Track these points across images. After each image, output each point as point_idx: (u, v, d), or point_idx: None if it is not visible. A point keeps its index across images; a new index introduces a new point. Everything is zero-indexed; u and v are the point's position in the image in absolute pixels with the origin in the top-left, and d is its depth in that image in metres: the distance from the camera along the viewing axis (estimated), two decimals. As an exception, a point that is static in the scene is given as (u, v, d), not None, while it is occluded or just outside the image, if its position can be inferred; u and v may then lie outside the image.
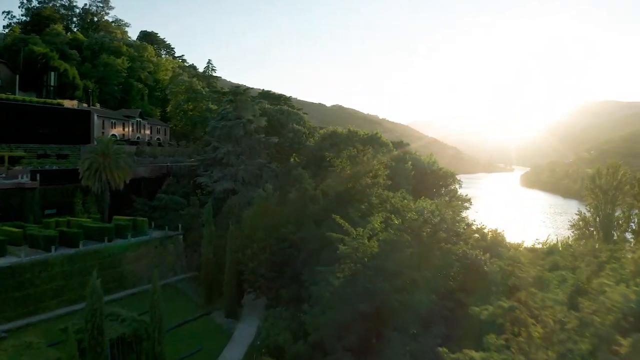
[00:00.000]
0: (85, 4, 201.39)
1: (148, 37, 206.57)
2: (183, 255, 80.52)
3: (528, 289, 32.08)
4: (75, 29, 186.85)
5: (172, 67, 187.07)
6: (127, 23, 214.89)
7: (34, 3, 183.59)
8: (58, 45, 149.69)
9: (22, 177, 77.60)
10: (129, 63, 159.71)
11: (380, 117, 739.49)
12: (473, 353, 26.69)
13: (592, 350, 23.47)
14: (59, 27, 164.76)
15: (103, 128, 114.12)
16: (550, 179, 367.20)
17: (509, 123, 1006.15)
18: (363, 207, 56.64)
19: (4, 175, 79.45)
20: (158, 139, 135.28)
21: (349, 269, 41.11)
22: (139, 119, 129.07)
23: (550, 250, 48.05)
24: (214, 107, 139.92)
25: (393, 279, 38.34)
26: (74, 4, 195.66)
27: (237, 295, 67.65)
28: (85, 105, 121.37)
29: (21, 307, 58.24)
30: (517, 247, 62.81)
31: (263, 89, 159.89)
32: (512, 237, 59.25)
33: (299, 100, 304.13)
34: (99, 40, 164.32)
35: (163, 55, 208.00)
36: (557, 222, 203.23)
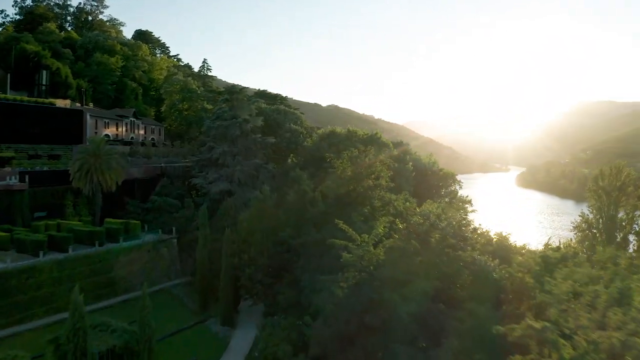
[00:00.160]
0: (80, 3, 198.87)
1: (143, 36, 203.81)
2: (177, 259, 77.85)
3: (559, 306, 29.40)
4: (69, 28, 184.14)
5: (166, 66, 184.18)
6: (121, 22, 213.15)
7: (28, 2, 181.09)
8: (51, 43, 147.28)
9: (10, 179, 74.92)
10: (122, 62, 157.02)
11: (376, 117, 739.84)
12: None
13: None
14: (52, 26, 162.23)
15: (96, 128, 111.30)
16: (547, 179, 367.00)
17: (504, 123, 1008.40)
18: (366, 210, 54.16)
19: (-9, 176, 76.74)
20: (152, 139, 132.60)
21: (353, 278, 38.58)
22: (132, 119, 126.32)
23: (564, 257, 45.53)
24: (209, 106, 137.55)
25: (401, 289, 35.90)
26: (68, 2, 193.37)
27: (233, 302, 65.01)
28: (78, 104, 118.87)
29: (7, 316, 55.46)
30: (521, 250, 61.25)
31: (259, 89, 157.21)
32: (511, 238, 57.77)
33: (295, 100, 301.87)
34: (92, 39, 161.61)
35: (158, 55, 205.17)
36: (554, 223, 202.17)
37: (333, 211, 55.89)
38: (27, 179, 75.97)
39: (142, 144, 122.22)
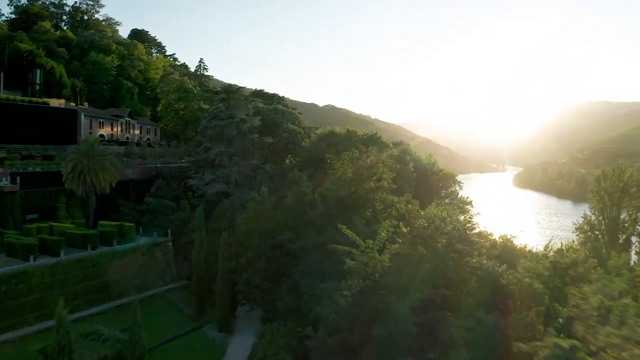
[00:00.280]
0: (75, 2, 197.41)
1: (139, 36, 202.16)
2: (172, 263, 76.01)
3: (587, 321, 27.64)
4: (65, 28, 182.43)
5: (163, 66, 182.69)
6: (117, 22, 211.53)
7: (23, 1, 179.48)
8: (46, 42, 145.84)
9: (1, 180, 72.90)
10: (118, 61, 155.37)
11: (373, 117, 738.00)
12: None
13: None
14: (47, 25, 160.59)
15: (90, 128, 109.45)
16: (544, 179, 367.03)
17: (501, 123, 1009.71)
18: (368, 213, 52.33)
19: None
20: (148, 139, 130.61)
21: (357, 286, 36.70)
22: (128, 119, 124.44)
23: (574, 262, 43.84)
24: (205, 106, 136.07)
25: (407, 297, 34.11)
26: (64, 2, 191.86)
27: (231, 307, 63.16)
28: (72, 104, 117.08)
29: (-4, 323, 53.53)
30: (526, 254, 59.66)
31: (256, 89, 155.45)
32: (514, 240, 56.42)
33: (291, 100, 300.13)
34: (88, 38, 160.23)
35: (154, 54, 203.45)
36: (553, 223, 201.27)
37: (333, 214, 54.06)
38: (18, 181, 74.12)
39: (138, 144, 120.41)
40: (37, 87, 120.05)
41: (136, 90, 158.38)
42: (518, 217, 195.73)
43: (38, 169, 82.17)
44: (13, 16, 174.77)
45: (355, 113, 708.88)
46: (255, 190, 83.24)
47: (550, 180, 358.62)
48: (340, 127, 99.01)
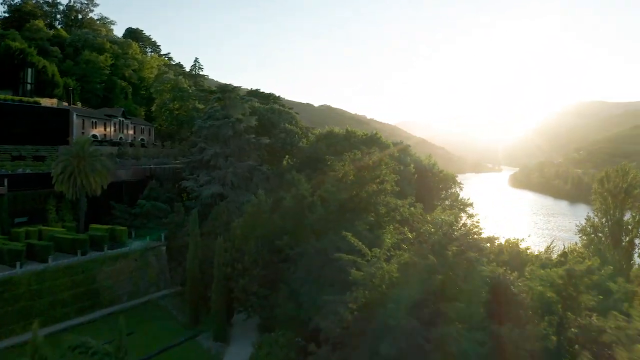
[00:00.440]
0: (70, 1, 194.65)
1: (133, 34, 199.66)
2: (166, 268, 73.55)
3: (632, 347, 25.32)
4: (59, 27, 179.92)
5: (157, 65, 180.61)
6: (112, 21, 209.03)
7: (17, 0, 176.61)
8: (38, 41, 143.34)
9: (-12, 183, 70.39)
10: (112, 60, 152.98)
11: (369, 117, 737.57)
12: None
13: None
14: (40, 23, 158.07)
15: (83, 128, 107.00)
16: (540, 180, 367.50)
17: (496, 123, 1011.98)
18: (372, 218, 49.91)
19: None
20: (142, 139, 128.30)
21: (362, 297, 34.20)
22: (121, 119, 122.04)
23: (589, 269, 41.65)
24: (200, 106, 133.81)
25: (419, 312, 31.70)
26: (58, 0, 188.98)
27: (227, 315, 60.64)
28: (65, 104, 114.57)
29: (-20, 333, 51.05)
30: (533, 259, 57.71)
31: (251, 88, 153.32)
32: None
33: (287, 100, 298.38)
34: (82, 36, 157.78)
35: (148, 53, 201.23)
36: (550, 224, 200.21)
37: (334, 218, 51.76)
38: (6, 183, 71.46)
39: (131, 144, 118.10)
40: (29, 86, 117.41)
41: (130, 90, 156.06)
42: (515, 217, 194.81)
43: (28, 171, 79.61)
44: (5, 15, 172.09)
45: (350, 113, 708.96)
46: (252, 192, 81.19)
47: (546, 180, 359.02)
48: (336, 127, 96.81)
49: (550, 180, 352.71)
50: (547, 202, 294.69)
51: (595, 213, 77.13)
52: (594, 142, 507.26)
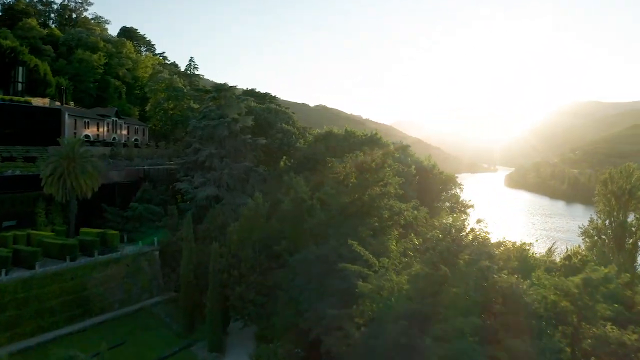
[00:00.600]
0: (64, 0, 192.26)
1: (127, 33, 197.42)
2: (159, 274, 71.00)
3: None
4: (53, 26, 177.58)
5: (152, 64, 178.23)
6: (107, 20, 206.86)
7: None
8: (31, 40, 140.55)
9: (-26, 185, 67.80)
10: (105, 59, 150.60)
11: (364, 118, 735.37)
12: None
13: None
14: (33, 22, 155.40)
15: (75, 128, 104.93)
16: (536, 180, 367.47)
17: (492, 123, 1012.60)
18: (376, 224, 47.48)
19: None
20: (136, 139, 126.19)
21: (370, 311, 31.69)
22: (114, 118, 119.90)
23: (607, 277, 39.58)
24: (196, 106, 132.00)
25: (431, 327, 29.30)
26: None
27: (222, 323, 58.12)
28: (58, 103, 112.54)
29: (-38, 345, 48.51)
30: (541, 263, 55.81)
31: (247, 88, 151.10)
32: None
33: (282, 100, 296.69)
34: (75, 35, 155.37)
35: (143, 52, 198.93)
36: (547, 224, 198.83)
37: (335, 222, 49.27)
38: (-7, 185, 68.94)
39: (125, 145, 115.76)
40: (20, 85, 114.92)
41: (124, 89, 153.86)
42: (513, 218, 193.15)
43: (18, 172, 77.03)
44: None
45: (346, 113, 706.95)
46: (248, 194, 79.12)
47: (542, 180, 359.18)
48: (331, 127, 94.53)
49: (546, 181, 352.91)
50: (544, 202, 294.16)
51: (598, 215, 75.93)
52: (590, 142, 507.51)
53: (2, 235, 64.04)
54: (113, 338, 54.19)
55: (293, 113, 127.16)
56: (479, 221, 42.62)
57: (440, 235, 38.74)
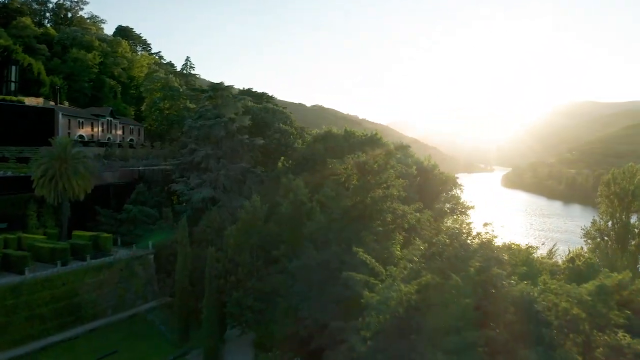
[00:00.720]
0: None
1: (123, 33, 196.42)
2: (154, 278, 69.09)
3: None
4: (48, 25, 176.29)
5: (147, 64, 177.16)
6: (103, 20, 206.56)
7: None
8: (25, 39, 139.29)
9: (-37, 187, 65.85)
10: (100, 58, 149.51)
11: (360, 117, 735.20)
12: None
13: None
14: (27, 20, 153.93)
15: (69, 128, 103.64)
16: (533, 180, 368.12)
17: (488, 123, 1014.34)
18: (380, 229, 45.64)
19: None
20: (131, 139, 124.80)
21: (377, 324, 29.77)
22: (109, 118, 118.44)
23: (621, 284, 37.97)
24: (192, 105, 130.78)
25: (444, 342, 27.44)
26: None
27: (219, 331, 56.15)
28: (52, 103, 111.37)
29: (-52, 354, 46.65)
30: (547, 267, 54.51)
31: (243, 88, 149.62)
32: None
33: (279, 100, 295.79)
34: (70, 34, 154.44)
35: (139, 52, 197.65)
36: (546, 225, 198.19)
37: (337, 227, 47.41)
38: (-19, 187, 67.07)
39: (119, 145, 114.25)
40: (13, 84, 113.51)
41: (119, 89, 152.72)
42: (510, 218, 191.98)
43: (9, 173, 75.33)
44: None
45: (343, 113, 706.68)
46: (245, 195, 77.56)
47: (539, 180, 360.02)
48: (330, 127, 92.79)
49: (543, 181, 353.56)
50: (541, 202, 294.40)
51: (601, 216, 75.78)
52: (586, 142, 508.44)
53: (-8, 238, 62.25)
54: (105, 346, 52.50)
55: (290, 113, 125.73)
56: (485, 225, 40.88)
57: (447, 240, 36.97)
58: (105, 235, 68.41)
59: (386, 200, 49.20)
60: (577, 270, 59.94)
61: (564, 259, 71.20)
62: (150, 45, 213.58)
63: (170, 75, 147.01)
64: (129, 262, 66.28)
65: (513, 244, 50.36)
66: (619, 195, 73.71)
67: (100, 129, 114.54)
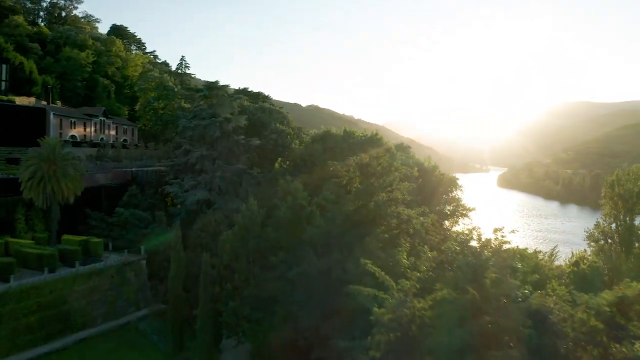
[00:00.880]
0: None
1: (118, 32, 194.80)
2: (147, 285, 66.78)
3: None
4: (42, 24, 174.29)
5: (142, 63, 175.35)
6: (97, 19, 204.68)
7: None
8: (17, 37, 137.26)
9: (-53, 190, 63.38)
10: (94, 57, 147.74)
11: (356, 118, 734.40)
12: None
13: None
14: (19, 19, 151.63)
15: (61, 128, 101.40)
16: (529, 180, 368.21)
17: (483, 124, 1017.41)
18: (386, 235, 43.33)
19: None
20: (124, 140, 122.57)
21: (387, 343, 27.41)
22: (102, 118, 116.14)
23: (640, 295, 35.85)
24: (187, 105, 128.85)
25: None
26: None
27: (214, 341, 53.80)
28: (44, 102, 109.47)
29: None
30: (556, 273, 53.03)
31: (239, 87, 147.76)
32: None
33: (275, 100, 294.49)
34: (63, 33, 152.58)
35: (133, 51, 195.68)
36: (543, 225, 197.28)
37: (339, 233, 45.11)
38: (-34, 190, 64.60)
39: (113, 145, 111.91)
40: (3, 84, 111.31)
41: (113, 88, 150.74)
42: (507, 218, 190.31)
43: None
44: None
45: (338, 113, 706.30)
46: (241, 197, 75.41)
47: (535, 180, 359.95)
48: (329, 127, 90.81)
49: (539, 181, 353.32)
50: (538, 202, 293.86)
51: (605, 218, 75.54)
52: (581, 142, 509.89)
53: (-23, 244, 59.83)
54: (95, 356, 50.14)
55: (287, 113, 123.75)
56: (496, 230, 38.61)
57: (457, 248, 34.73)
58: (96, 240, 66.11)
59: (391, 204, 46.93)
60: (581, 274, 58.62)
61: (568, 262, 70.22)
62: (145, 45, 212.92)
63: (165, 75, 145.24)
64: (120, 268, 63.87)
65: (519, 248, 48.79)
66: (623, 197, 73.17)
67: (93, 129, 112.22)
